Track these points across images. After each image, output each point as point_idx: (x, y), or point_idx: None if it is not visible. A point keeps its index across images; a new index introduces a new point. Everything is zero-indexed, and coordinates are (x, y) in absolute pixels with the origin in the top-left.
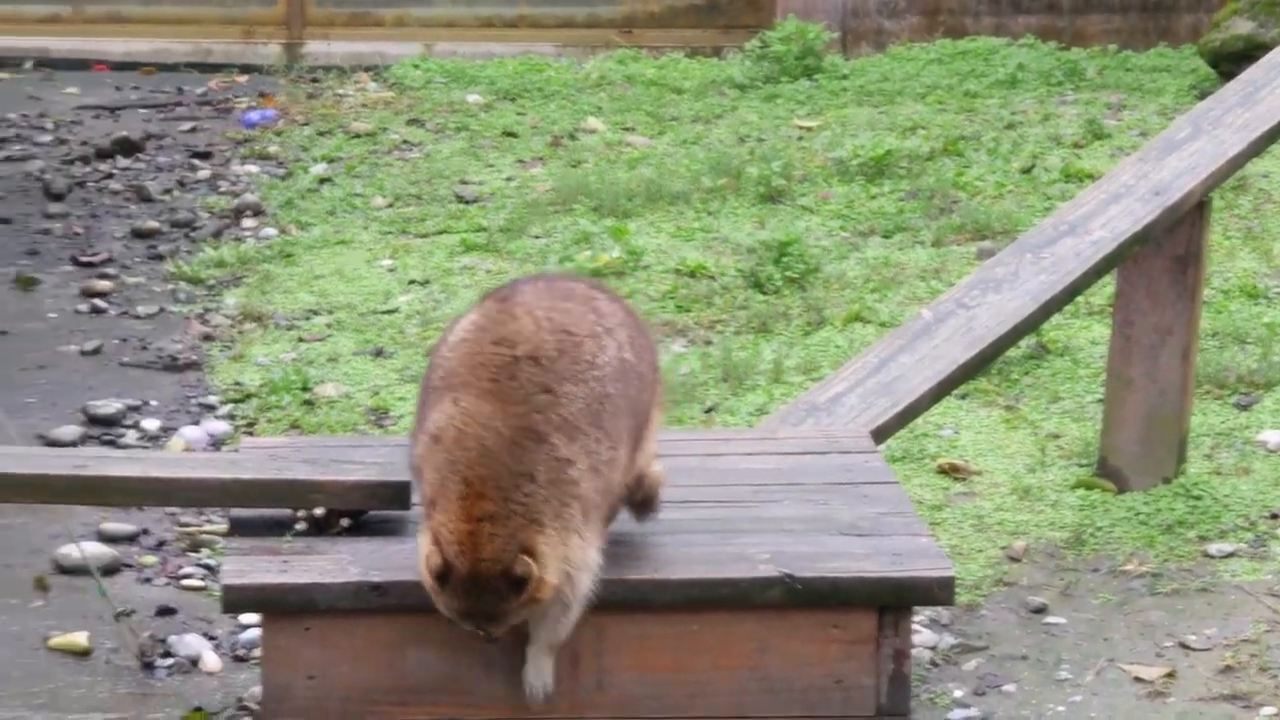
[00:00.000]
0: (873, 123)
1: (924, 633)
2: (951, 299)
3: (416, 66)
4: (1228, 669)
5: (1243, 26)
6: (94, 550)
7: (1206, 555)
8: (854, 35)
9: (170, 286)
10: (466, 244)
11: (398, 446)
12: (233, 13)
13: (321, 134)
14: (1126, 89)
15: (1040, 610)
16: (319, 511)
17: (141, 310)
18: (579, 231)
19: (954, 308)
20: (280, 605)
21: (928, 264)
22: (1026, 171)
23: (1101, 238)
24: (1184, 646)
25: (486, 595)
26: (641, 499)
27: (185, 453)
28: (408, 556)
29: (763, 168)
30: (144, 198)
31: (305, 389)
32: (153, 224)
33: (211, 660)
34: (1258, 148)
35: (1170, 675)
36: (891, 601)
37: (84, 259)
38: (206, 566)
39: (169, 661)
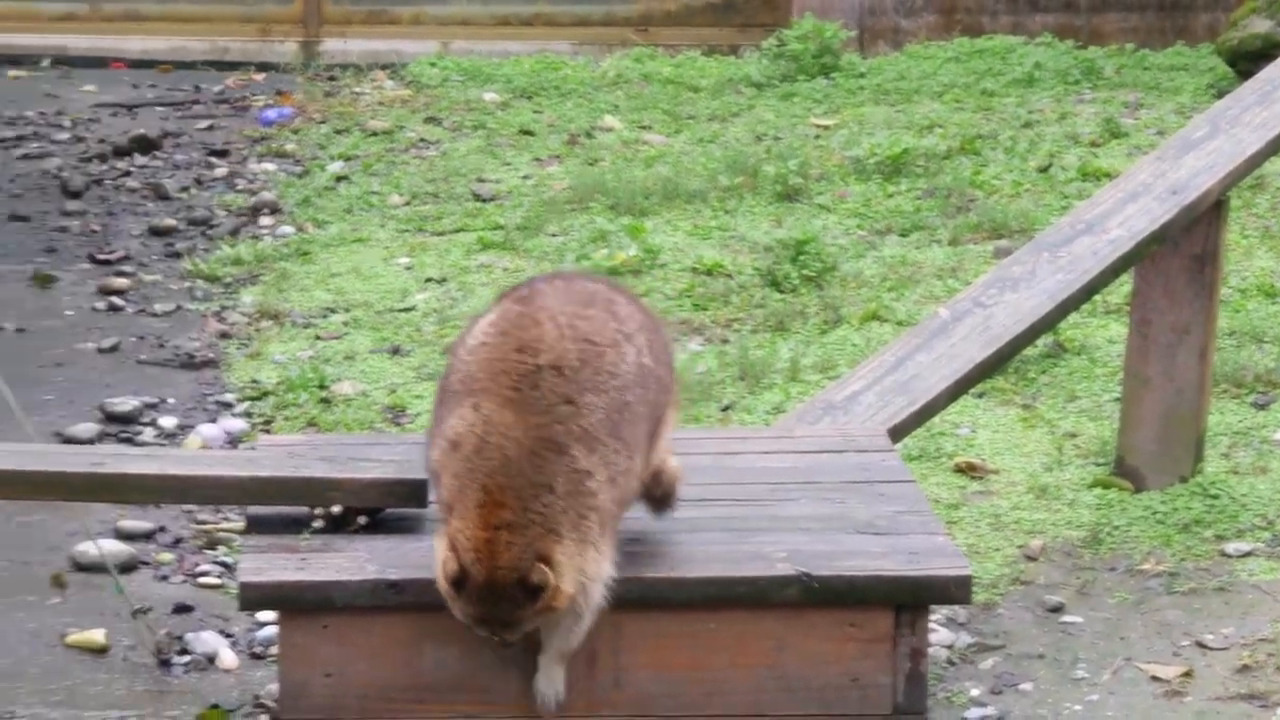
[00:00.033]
0: (890, 121)
1: (941, 631)
2: (968, 298)
3: (433, 65)
4: (1245, 668)
5: (1260, 25)
6: (111, 548)
7: (1224, 554)
8: (871, 34)
9: (187, 284)
10: (483, 242)
11: (415, 444)
12: (250, 11)
13: (338, 132)
14: (1144, 88)
15: (1057, 609)
16: (336, 509)
17: (159, 308)
18: (596, 230)
19: (971, 306)
20: (297, 603)
21: (945, 263)
22: (1044, 170)
23: (1119, 236)
24: (1201, 646)
25: (502, 602)
26: (660, 495)
27: (202, 450)
28: (425, 554)
29: (779, 166)
30: (161, 196)
31: (322, 387)
32: (170, 222)
33: (228, 658)
34: (1276, 146)
35: (1187, 674)
36: (908, 600)
37: (101, 257)
38: (223, 564)
39: (186, 659)
